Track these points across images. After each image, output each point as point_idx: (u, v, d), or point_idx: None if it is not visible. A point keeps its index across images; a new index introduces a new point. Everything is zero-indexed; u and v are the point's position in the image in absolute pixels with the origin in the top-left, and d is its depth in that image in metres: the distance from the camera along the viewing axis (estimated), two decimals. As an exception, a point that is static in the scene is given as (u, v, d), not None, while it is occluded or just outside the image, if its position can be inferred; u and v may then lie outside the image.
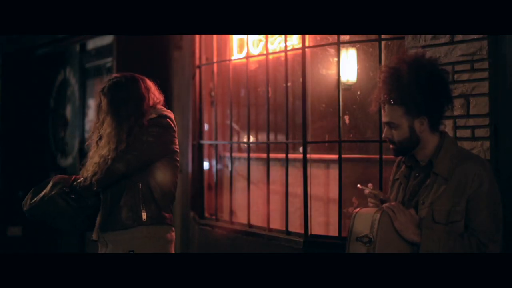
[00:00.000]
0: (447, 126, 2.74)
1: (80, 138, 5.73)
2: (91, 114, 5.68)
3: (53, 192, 2.74)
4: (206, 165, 4.62)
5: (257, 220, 4.05)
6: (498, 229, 2.11)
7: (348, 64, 3.54)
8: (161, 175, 2.70)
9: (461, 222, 2.11)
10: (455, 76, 2.73)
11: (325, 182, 3.75)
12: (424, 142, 2.20)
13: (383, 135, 2.27)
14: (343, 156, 3.46)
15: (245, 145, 4.22)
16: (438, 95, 2.17)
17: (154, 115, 2.75)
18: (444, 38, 2.76)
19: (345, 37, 3.49)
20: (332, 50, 3.61)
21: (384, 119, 2.23)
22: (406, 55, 2.27)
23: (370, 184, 2.31)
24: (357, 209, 2.22)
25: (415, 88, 2.13)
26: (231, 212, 4.28)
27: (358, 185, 2.34)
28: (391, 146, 2.25)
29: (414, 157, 2.25)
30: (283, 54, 3.84)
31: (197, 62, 4.58)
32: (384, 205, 2.16)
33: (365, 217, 2.16)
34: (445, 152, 2.18)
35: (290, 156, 3.83)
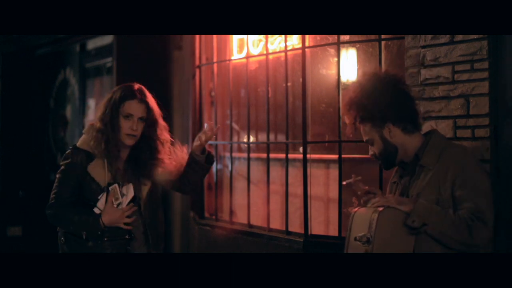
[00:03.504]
0: (447, 126, 2.74)
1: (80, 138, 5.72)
2: (91, 114, 5.68)
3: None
4: (206, 165, 4.61)
5: (257, 220, 4.05)
6: (489, 210, 2.10)
7: (348, 64, 3.54)
8: None
9: (449, 211, 2.13)
10: (455, 76, 2.73)
11: (325, 182, 3.75)
12: (402, 145, 2.30)
13: (369, 154, 2.39)
14: (343, 156, 3.46)
15: (245, 145, 4.22)
16: (392, 102, 2.27)
17: None
18: (444, 38, 2.76)
19: (345, 37, 3.48)
20: (332, 50, 3.61)
21: (363, 138, 2.36)
22: (360, 77, 2.40)
23: (353, 175, 2.40)
24: (356, 209, 2.24)
25: (367, 102, 2.27)
26: (231, 212, 4.27)
27: (344, 182, 2.45)
28: (379, 162, 2.39)
29: (403, 161, 2.34)
30: (283, 54, 3.84)
31: (197, 62, 4.58)
32: (376, 205, 2.17)
33: (363, 217, 2.19)
34: (431, 146, 2.26)
35: (290, 156, 3.82)
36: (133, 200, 2.63)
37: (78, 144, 2.71)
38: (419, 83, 2.86)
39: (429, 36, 2.81)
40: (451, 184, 2.15)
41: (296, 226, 3.76)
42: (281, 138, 3.96)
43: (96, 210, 2.60)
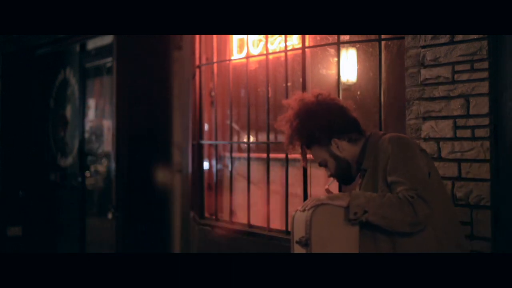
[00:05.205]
0: (447, 126, 2.74)
1: (80, 138, 5.73)
2: (91, 114, 5.68)
3: None
4: (206, 165, 4.62)
5: (257, 220, 4.05)
6: (424, 188, 2.09)
7: (348, 64, 3.54)
8: None
9: (387, 194, 2.12)
10: (455, 76, 2.73)
11: (325, 182, 3.74)
12: (352, 157, 2.33)
13: (328, 176, 2.44)
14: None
15: (245, 145, 4.22)
16: (330, 118, 2.32)
17: None
18: (444, 38, 2.76)
19: (345, 37, 3.48)
20: (332, 50, 3.61)
21: (316, 162, 2.42)
22: (290, 106, 2.42)
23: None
24: (296, 211, 2.25)
25: (308, 128, 2.32)
26: (231, 212, 4.28)
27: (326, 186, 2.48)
28: (337, 180, 2.44)
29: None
30: (283, 54, 3.84)
31: (197, 62, 4.58)
32: (310, 206, 2.17)
33: (302, 219, 2.17)
34: (368, 149, 2.28)
35: (290, 156, 3.82)
36: None
37: None
38: (419, 83, 2.87)
39: (429, 36, 2.81)
40: (383, 174, 2.17)
41: (296, 226, 3.76)
42: (281, 138, 3.95)
43: None
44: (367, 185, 2.23)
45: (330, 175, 2.42)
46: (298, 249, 2.16)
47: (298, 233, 2.16)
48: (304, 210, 2.17)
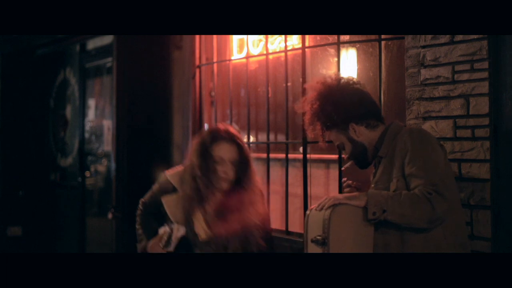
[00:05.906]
0: (447, 126, 2.74)
1: (80, 138, 5.73)
2: (91, 114, 5.68)
3: None
4: (206, 165, 4.60)
5: (257, 220, 4.04)
6: (442, 182, 2.10)
7: (348, 64, 3.54)
8: None
9: (403, 192, 2.13)
10: (455, 76, 2.73)
11: (325, 182, 3.75)
12: (370, 142, 2.35)
13: (345, 158, 2.49)
14: (343, 156, 3.46)
15: (245, 145, 4.21)
16: (349, 103, 2.34)
17: None
18: (444, 38, 2.76)
19: (345, 37, 3.49)
20: (332, 50, 3.61)
21: (335, 144, 2.45)
22: (313, 87, 2.45)
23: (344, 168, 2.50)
24: (312, 207, 2.25)
25: (326, 110, 2.35)
26: (231, 212, 4.27)
27: (343, 168, 2.53)
28: (354, 163, 2.46)
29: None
30: (283, 54, 3.84)
31: (197, 62, 4.58)
32: (327, 205, 2.17)
33: (318, 217, 2.17)
34: (387, 137, 2.30)
35: (290, 156, 3.82)
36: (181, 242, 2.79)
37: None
38: (419, 83, 2.87)
39: (429, 36, 2.81)
40: (400, 164, 2.18)
41: (296, 226, 3.76)
42: (281, 138, 3.96)
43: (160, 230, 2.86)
44: (382, 173, 2.25)
45: (348, 158, 2.45)
46: (313, 248, 2.15)
47: (313, 232, 2.16)
48: (321, 209, 2.17)
